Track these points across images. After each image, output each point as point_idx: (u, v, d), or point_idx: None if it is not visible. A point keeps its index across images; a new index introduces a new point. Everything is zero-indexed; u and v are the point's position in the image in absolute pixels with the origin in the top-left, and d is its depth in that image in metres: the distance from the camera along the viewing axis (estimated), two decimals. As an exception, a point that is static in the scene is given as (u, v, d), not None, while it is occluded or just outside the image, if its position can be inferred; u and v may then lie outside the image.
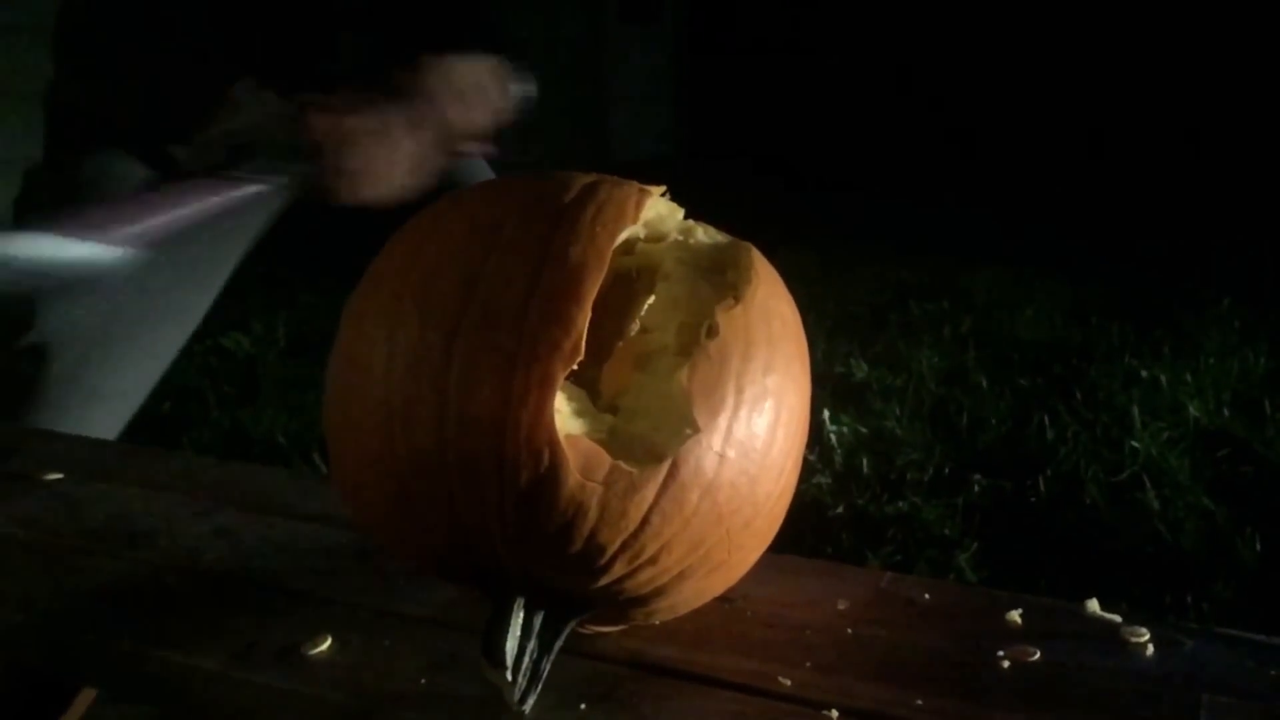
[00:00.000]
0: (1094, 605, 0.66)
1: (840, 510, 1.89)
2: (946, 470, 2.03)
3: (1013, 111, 4.68)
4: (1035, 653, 0.62)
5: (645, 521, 0.55)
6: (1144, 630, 0.63)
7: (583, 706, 0.59)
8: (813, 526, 1.86)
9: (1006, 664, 0.62)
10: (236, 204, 1.09)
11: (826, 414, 2.22)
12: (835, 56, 5.10)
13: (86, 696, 0.85)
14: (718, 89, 5.21)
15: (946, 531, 1.82)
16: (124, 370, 1.24)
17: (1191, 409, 2.27)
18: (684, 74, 5.24)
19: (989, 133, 4.72)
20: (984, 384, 2.45)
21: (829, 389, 2.42)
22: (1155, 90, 4.28)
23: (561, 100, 4.33)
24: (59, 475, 0.89)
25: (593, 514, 0.54)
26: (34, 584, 0.74)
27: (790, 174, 4.78)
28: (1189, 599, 1.62)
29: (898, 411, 2.29)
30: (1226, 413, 2.29)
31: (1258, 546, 1.75)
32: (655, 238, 0.63)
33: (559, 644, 0.58)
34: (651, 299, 0.60)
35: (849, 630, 0.65)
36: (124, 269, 1.02)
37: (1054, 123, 4.57)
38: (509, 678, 0.55)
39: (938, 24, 4.86)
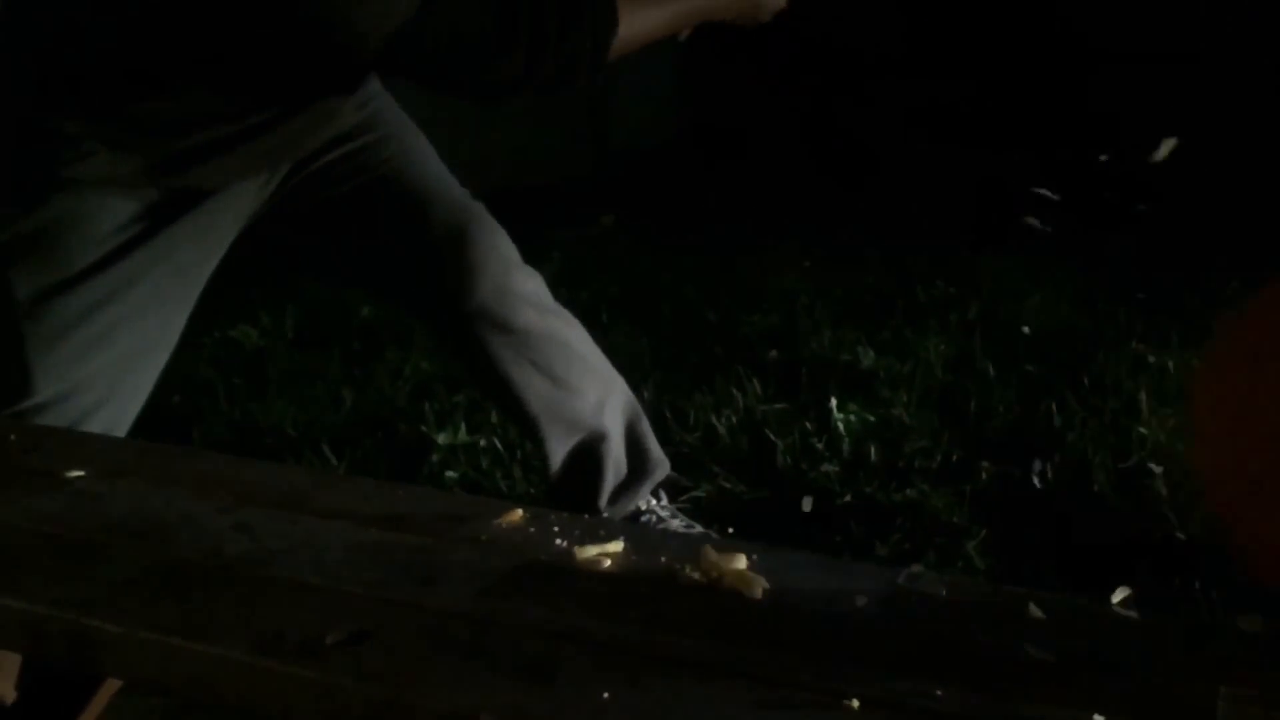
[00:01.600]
0: (1119, 595, 0.66)
1: (848, 499, 1.90)
2: (954, 458, 2.03)
3: (1016, 97, 4.67)
4: (1055, 647, 0.63)
5: None
6: (1163, 624, 0.64)
7: (605, 695, 0.60)
8: (820, 515, 1.86)
9: (1026, 658, 0.62)
10: None
11: (834, 402, 2.22)
12: (839, 42, 5.08)
13: (110, 687, 0.86)
14: (720, 77, 5.20)
15: (955, 520, 1.82)
16: (127, 405, 1.23)
17: (1199, 395, 2.27)
18: (687, 61, 5.23)
19: (993, 119, 4.70)
20: (991, 371, 2.45)
21: (836, 377, 2.42)
22: (1158, 76, 4.26)
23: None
24: (81, 472, 0.90)
25: None
26: (58, 578, 0.75)
27: (794, 161, 4.78)
28: (1197, 585, 1.63)
29: (905, 399, 2.29)
30: (1234, 399, 2.29)
31: (1266, 533, 1.75)
32: None
33: None
34: None
35: (869, 624, 0.66)
36: None
37: (1058, 108, 4.56)
38: None
39: (943, 7, 4.83)
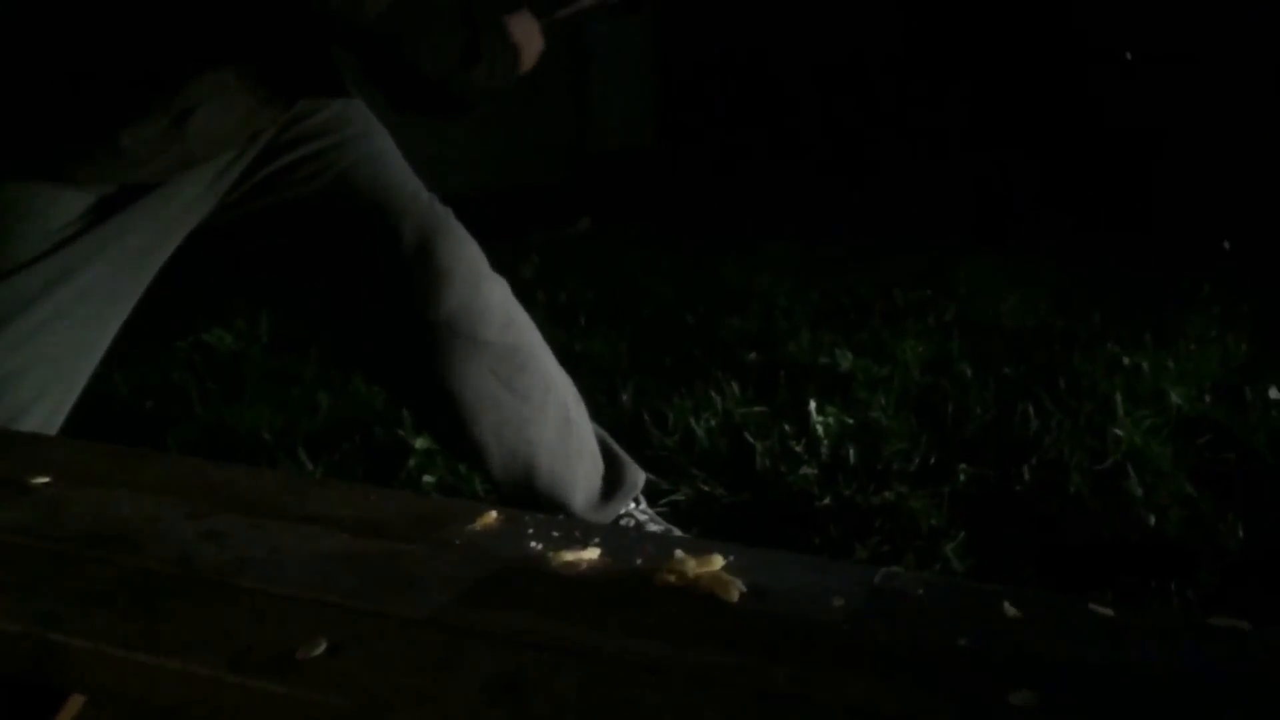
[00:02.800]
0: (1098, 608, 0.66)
1: (827, 501, 1.90)
2: (932, 460, 2.04)
3: (993, 101, 4.70)
4: (1033, 647, 0.62)
5: None
6: (1139, 623, 0.64)
7: (579, 704, 0.59)
8: (799, 518, 1.86)
9: (1004, 659, 0.62)
10: None
11: (813, 405, 2.22)
12: (817, 45, 5.09)
13: (75, 703, 0.85)
14: (699, 78, 5.20)
15: (933, 521, 1.83)
16: (60, 402, 1.20)
17: (1173, 396, 2.29)
18: (665, 62, 5.23)
19: (970, 122, 4.73)
20: (968, 373, 2.46)
21: (815, 380, 2.42)
22: (1135, 78, 4.29)
23: (541, 89, 4.31)
24: (47, 479, 0.88)
25: None
26: (22, 589, 0.74)
27: (772, 165, 4.79)
28: (1173, 586, 1.64)
29: (883, 401, 2.29)
30: (1208, 399, 2.31)
31: (1240, 533, 1.76)
32: None
33: None
34: None
35: (845, 626, 0.65)
36: None
37: (1034, 112, 4.59)
38: None
39: (919, 13, 4.86)
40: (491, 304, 1.37)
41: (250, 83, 1.17)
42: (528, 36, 1.25)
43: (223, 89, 1.16)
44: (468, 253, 1.36)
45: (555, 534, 0.79)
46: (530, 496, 1.45)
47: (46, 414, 1.17)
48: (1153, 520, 1.82)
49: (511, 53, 1.20)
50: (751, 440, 2.09)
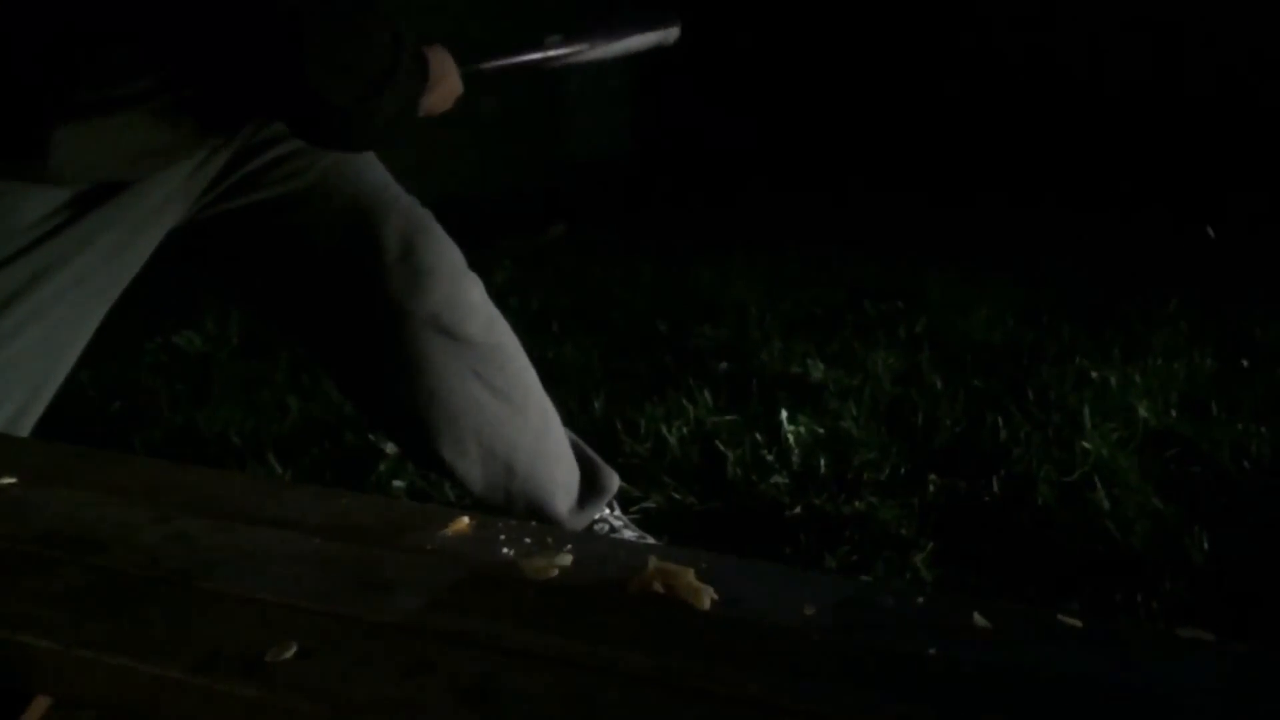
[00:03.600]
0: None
1: (798, 510, 1.90)
2: (903, 470, 2.05)
3: (962, 113, 4.73)
4: (1002, 658, 0.63)
5: None
6: (1106, 634, 0.65)
7: (551, 713, 0.59)
8: (770, 527, 1.87)
9: (973, 669, 0.62)
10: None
11: (784, 414, 2.23)
12: (793, 51, 5.11)
13: (41, 704, 0.84)
14: (677, 88, 5.22)
15: (903, 531, 1.84)
16: (31, 403, 1.18)
17: (1140, 409, 2.31)
18: (642, 73, 5.24)
19: (941, 134, 4.76)
20: (938, 384, 2.48)
21: (786, 389, 2.43)
22: (1104, 91, 4.34)
23: (520, 99, 4.31)
24: (12, 479, 0.87)
25: None
26: (-13, 591, 0.73)
27: (747, 174, 4.80)
28: (1139, 598, 1.65)
29: (854, 411, 2.30)
30: (1174, 413, 2.33)
31: (1205, 545, 1.78)
32: None
33: None
34: None
35: (815, 635, 0.66)
36: None
37: (1003, 124, 4.63)
38: None
39: (894, 23, 4.89)
40: (474, 302, 1.37)
41: (186, 106, 1.14)
42: (444, 71, 1.23)
43: (165, 103, 1.12)
44: (449, 253, 1.36)
45: (527, 540, 0.78)
46: (508, 499, 1.44)
47: (17, 415, 1.16)
48: (1119, 532, 1.84)
49: (417, 93, 1.17)
50: (723, 449, 2.10)
